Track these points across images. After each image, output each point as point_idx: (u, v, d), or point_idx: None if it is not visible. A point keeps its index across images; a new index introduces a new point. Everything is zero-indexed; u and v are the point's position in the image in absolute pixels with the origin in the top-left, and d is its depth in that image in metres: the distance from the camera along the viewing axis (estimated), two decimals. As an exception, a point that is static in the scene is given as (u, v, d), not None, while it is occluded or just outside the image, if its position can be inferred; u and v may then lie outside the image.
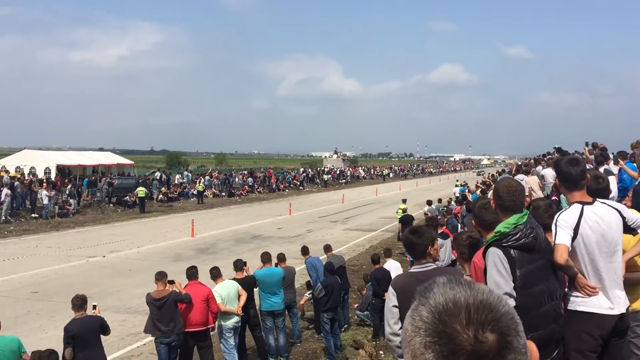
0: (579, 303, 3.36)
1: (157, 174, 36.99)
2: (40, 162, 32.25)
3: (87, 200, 29.20)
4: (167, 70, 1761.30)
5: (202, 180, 36.67)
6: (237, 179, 43.24)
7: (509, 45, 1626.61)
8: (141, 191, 28.89)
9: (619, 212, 3.48)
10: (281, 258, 9.57)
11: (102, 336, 6.60)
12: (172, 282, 7.54)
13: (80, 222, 24.56)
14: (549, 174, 11.07)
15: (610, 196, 5.18)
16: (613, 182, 7.29)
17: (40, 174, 30.18)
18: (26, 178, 27.03)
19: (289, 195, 41.31)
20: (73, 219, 25.33)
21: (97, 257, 16.55)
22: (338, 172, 63.13)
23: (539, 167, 14.64)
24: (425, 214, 19.28)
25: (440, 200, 22.85)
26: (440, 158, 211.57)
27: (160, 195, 33.04)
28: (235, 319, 8.03)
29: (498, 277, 3.06)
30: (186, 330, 7.49)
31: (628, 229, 3.52)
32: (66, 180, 28.97)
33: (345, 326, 10.06)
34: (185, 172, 44.06)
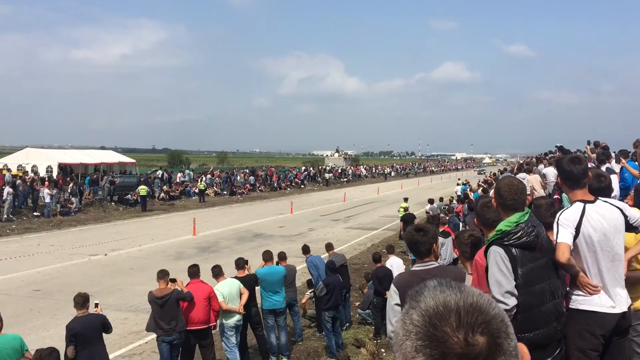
0: (580, 302, 3.36)
1: (159, 173, 36.99)
2: (42, 160, 32.29)
3: (89, 198, 29.23)
4: (169, 68, 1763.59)
5: (204, 178, 36.71)
6: (238, 178, 43.29)
7: (510, 44, 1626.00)
8: (143, 190, 28.93)
9: (621, 210, 3.47)
10: (282, 257, 9.57)
11: (104, 334, 6.60)
12: (174, 281, 7.55)
13: (82, 221, 24.60)
14: (551, 172, 11.06)
15: (613, 195, 5.17)
16: (615, 180, 7.28)
17: (42, 173, 30.21)
18: (28, 176, 27.06)
19: (290, 194, 41.32)
20: (75, 218, 25.37)
21: (99, 255, 16.57)
22: (340, 170, 63.16)
23: (541, 166, 14.65)
24: (427, 212, 19.29)
25: (441, 199, 22.85)
26: (442, 157, 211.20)
27: (162, 194, 33.08)
28: (237, 317, 8.04)
29: (499, 275, 3.06)
30: (188, 328, 7.50)
31: (630, 227, 3.52)
32: (68, 179, 29.04)
33: (347, 325, 10.07)
34: (187, 171, 44.06)
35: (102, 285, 12.75)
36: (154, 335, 7.74)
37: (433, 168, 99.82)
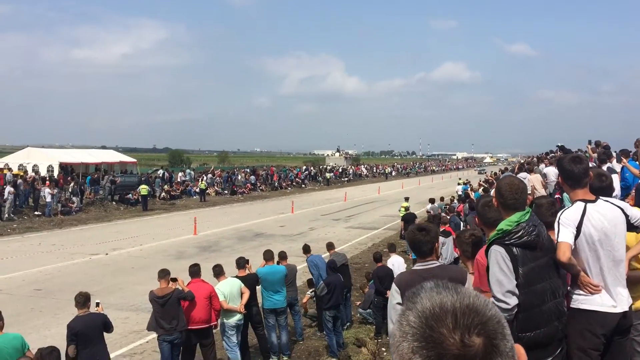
0: (581, 301, 3.36)
1: (160, 172, 37.01)
2: (43, 160, 32.32)
3: (89, 198, 29.25)
4: (170, 67, 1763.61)
5: (205, 178, 36.74)
6: (239, 177, 43.30)
7: (510, 43, 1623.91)
8: (144, 189, 28.93)
9: (622, 210, 3.47)
10: (282, 256, 9.56)
11: (105, 334, 6.61)
12: (175, 280, 7.56)
13: (83, 220, 24.62)
14: (552, 172, 11.05)
15: (614, 194, 5.17)
16: (616, 180, 7.27)
17: (43, 172, 30.26)
18: (29, 176, 27.10)
19: (291, 194, 41.33)
20: (76, 217, 25.39)
21: (100, 254, 16.59)
22: (340, 170, 63.15)
23: (542, 165, 14.63)
24: (428, 211, 19.28)
25: (442, 199, 22.85)
26: (442, 156, 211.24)
27: (163, 193, 33.09)
28: (238, 316, 8.04)
29: (500, 274, 3.06)
30: (189, 327, 7.50)
31: (631, 227, 3.52)
32: (69, 178, 29.06)
33: (348, 324, 10.07)
34: (188, 170, 44.09)
35: (103, 285, 12.77)
36: (154, 335, 7.74)
37: (434, 168, 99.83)
